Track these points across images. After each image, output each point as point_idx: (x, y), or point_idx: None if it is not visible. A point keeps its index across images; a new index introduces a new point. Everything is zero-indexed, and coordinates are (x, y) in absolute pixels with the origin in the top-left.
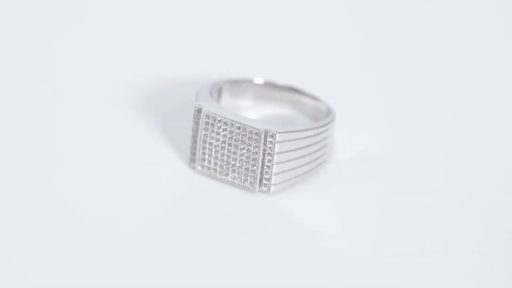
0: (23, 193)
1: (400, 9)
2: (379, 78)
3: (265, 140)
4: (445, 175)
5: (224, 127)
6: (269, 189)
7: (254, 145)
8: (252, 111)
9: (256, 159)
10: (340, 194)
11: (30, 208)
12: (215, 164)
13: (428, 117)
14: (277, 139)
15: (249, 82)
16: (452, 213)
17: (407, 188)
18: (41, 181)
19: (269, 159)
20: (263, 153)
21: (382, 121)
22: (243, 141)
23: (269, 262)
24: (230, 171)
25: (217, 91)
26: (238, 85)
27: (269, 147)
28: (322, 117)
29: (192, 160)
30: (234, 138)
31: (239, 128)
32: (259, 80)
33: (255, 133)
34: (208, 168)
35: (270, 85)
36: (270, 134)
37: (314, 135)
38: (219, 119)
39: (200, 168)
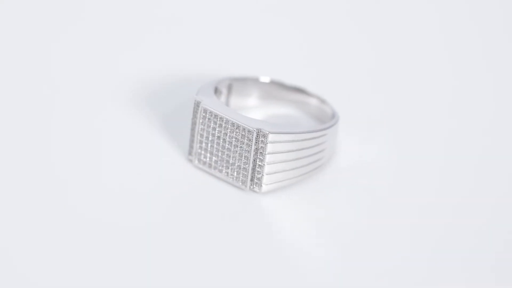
0: (23, 190)
1: (404, 12)
2: (386, 82)
3: (257, 139)
4: (446, 189)
5: (219, 123)
6: (260, 189)
7: (246, 143)
8: (258, 110)
9: (248, 157)
10: (330, 202)
11: (30, 205)
12: (210, 159)
13: (434, 126)
14: (269, 139)
15: (257, 80)
16: (448, 225)
17: (403, 201)
18: (41, 178)
19: (261, 158)
20: (255, 152)
21: (389, 129)
22: (236, 138)
23: (235, 262)
24: (224, 167)
25: (226, 87)
26: (247, 82)
27: (261, 147)
28: (327, 120)
29: (190, 153)
30: (228, 134)
31: (233, 125)
32: (267, 79)
33: (248, 131)
34: (204, 163)
35: (278, 85)
36: (262, 133)
37: (311, 139)
38: (215, 114)
39: (197, 161)
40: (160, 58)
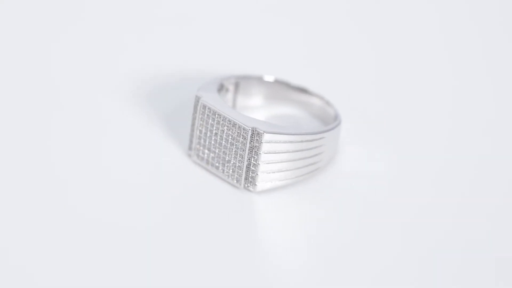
0: (23, 190)
1: (406, 13)
2: (388, 84)
3: (252, 138)
4: (446, 192)
5: (217, 120)
6: (254, 188)
7: (242, 141)
8: (263, 109)
9: (243, 155)
10: (324, 204)
11: (30, 205)
12: (208, 155)
13: (435, 129)
14: (263, 138)
15: (264, 80)
16: (447, 227)
17: (392, 217)
18: (41, 178)
19: (255, 157)
20: (250, 150)
21: (390, 132)
22: (232, 136)
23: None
24: (221, 164)
25: (233, 85)
26: (254, 81)
27: (256, 146)
28: (331, 122)
29: (190, 148)
30: (225, 132)
31: (230, 122)
32: (274, 79)
33: (243, 130)
34: (202, 159)
35: (284, 84)
36: (257, 132)
37: (308, 141)
38: (213, 111)
39: (195, 157)
40: (161, 57)
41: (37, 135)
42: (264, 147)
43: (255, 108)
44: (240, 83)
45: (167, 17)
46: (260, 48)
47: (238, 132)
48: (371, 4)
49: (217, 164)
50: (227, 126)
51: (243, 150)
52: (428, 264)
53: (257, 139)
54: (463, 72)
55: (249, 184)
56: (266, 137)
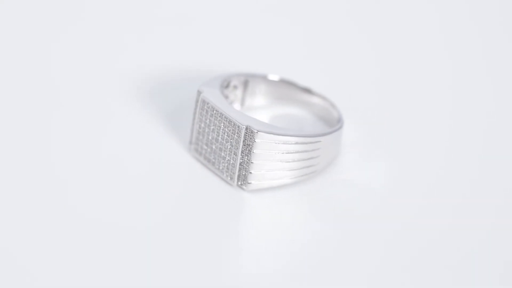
0: (24, 190)
1: (410, 16)
2: (390, 86)
3: (245, 136)
4: (443, 202)
5: (215, 116)
6: (246, 186)
7: (236, 139)
8: (269, 108)
9: (236, 153)
10: (314, 210)
11: (31, 204)
12: (206, 151)
13: (436, 136)
14: (256, 137)
15: (272, 79)
16: (442, 232)
17: (392, 218)
18: (41, 178)
19: (248, 156)
20: (243, 149)
21: (394, 141)
22: (228, 133)
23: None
24: (217, 160)
25: (243, 83)
26: (262, 80)
27: (249, 144)
28: (334, 124)
29: (190, 142)
30: (222, 128)
31: (226, 119)
32: (282, 79)
33: (237, 127)
34: (200, 154)
35: (291, 85)
36: (251, 131)
37: (303, 143)
38: (212, 107)
39: (194, 152)
40: (162, 56)
41: (38, 134)
42: (257, 146)
43: (261, 107)
44: (249, 81)
45: (167, 17)
46: (261, 48)
47: (233, 130)
48: (373, 5)
49: (213, 160)
50: (224, 123)
51: (237, 148)
52: (428, 264)
53: (250, 138)
54: (464, 73)
55: (242, 182)
56: (259, 136)
